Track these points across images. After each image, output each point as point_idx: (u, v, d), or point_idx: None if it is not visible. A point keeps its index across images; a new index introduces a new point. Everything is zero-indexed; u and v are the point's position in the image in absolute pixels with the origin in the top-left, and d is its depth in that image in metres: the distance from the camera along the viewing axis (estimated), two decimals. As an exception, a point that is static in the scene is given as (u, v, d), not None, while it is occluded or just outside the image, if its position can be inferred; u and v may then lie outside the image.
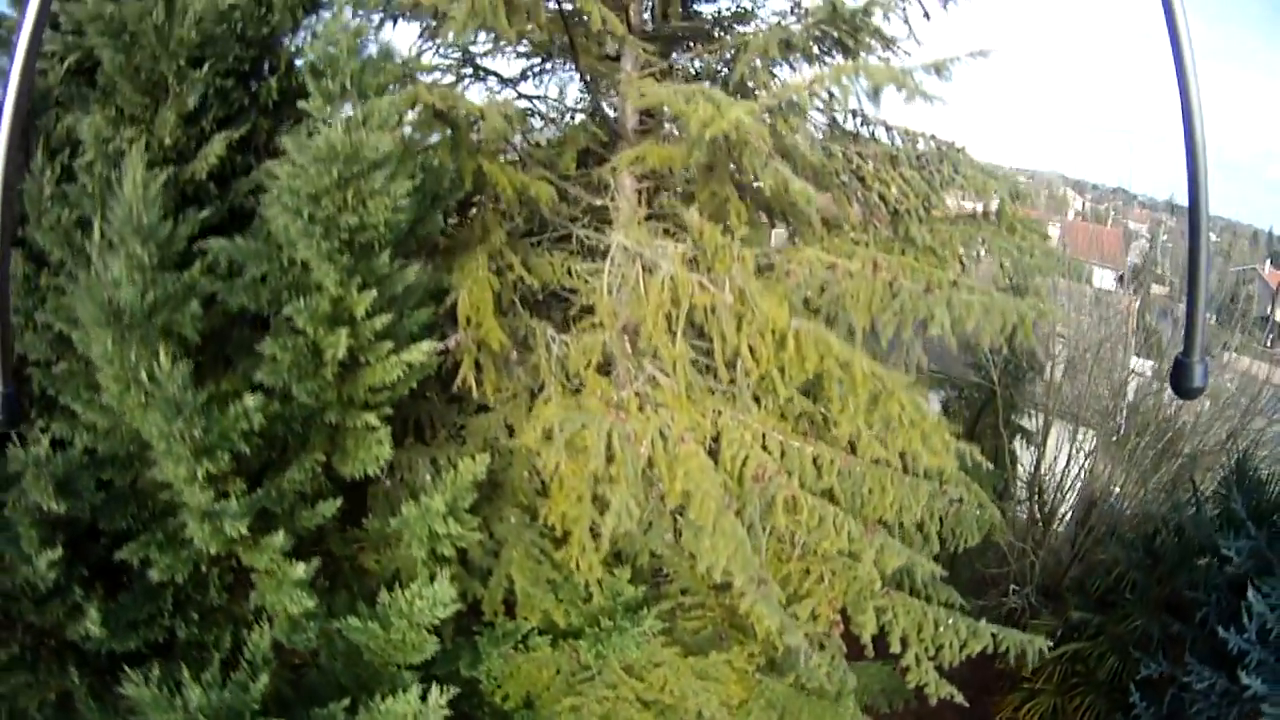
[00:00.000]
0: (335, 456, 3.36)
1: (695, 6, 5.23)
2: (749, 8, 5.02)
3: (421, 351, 3.10)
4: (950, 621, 4.81)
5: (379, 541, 3.63)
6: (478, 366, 3.89)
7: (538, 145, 5.23)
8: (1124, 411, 13.64)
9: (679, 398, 4.06)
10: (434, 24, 4.61)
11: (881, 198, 4.58)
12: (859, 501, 4.56)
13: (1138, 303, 17.63)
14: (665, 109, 4.41)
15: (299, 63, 3.64)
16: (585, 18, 4.04)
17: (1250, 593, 4.84)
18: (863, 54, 3.94)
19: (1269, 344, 41.38)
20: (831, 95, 3.78)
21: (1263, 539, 5.10)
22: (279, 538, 3.10)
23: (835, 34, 3.84)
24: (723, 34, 4.91)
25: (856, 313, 3.92)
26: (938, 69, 3.37)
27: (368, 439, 3.26)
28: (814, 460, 4.48)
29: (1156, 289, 50.61)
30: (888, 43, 3.92)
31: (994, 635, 4.74)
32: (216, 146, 3.30)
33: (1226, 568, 5.26)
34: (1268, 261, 48.87)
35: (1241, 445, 8.96)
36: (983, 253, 4.94)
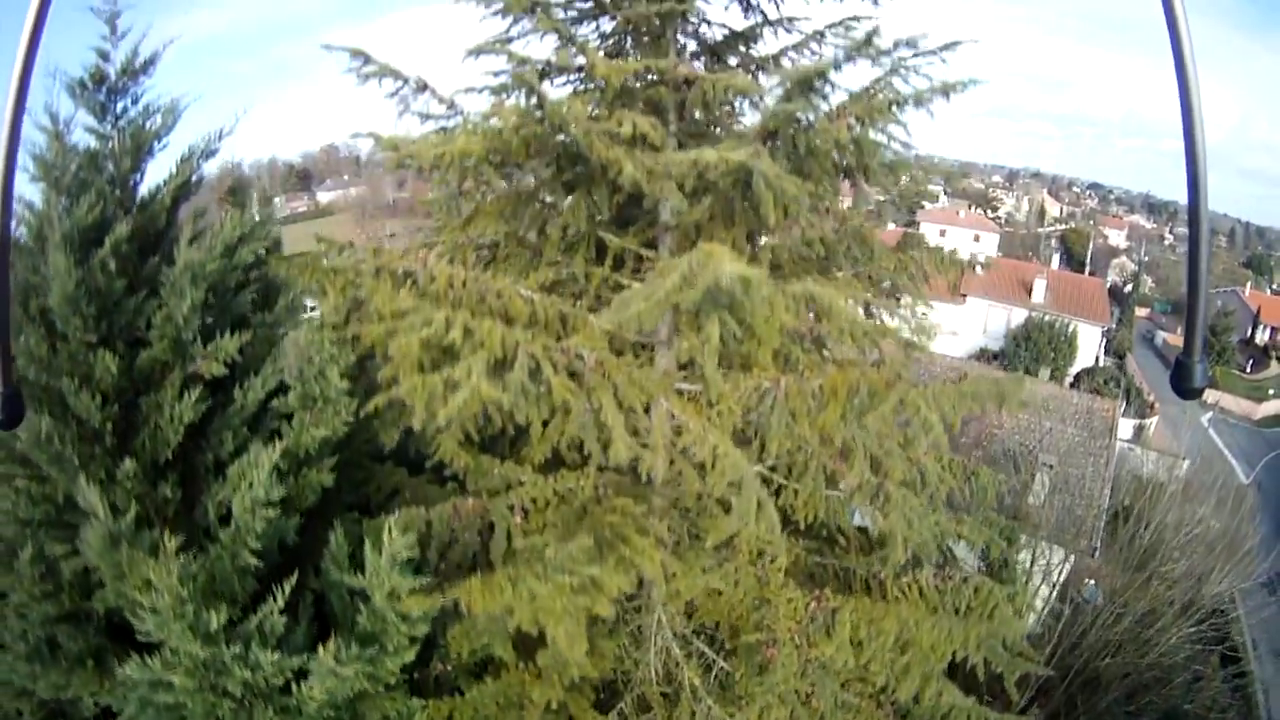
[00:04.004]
0: None
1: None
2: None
3: None
4: None
5: None
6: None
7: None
8: (1099, 534, 14.49)
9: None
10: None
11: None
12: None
13: (1122, 406, 18.51)
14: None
15: None
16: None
17: None
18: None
19: (1248, 369, 42.65)
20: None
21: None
22: None
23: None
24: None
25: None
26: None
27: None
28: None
29: (1140, 311, 51.04)
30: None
31: None
32: None
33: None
34: (1249, 283, 50.29)
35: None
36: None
